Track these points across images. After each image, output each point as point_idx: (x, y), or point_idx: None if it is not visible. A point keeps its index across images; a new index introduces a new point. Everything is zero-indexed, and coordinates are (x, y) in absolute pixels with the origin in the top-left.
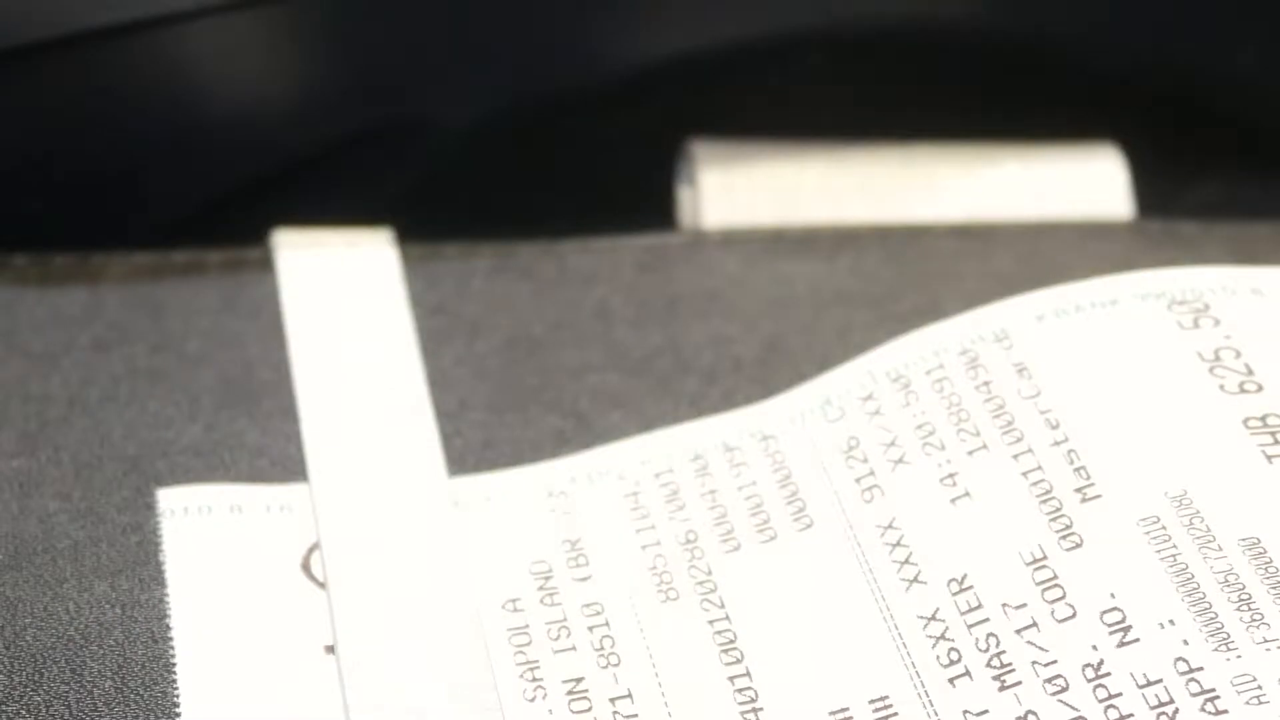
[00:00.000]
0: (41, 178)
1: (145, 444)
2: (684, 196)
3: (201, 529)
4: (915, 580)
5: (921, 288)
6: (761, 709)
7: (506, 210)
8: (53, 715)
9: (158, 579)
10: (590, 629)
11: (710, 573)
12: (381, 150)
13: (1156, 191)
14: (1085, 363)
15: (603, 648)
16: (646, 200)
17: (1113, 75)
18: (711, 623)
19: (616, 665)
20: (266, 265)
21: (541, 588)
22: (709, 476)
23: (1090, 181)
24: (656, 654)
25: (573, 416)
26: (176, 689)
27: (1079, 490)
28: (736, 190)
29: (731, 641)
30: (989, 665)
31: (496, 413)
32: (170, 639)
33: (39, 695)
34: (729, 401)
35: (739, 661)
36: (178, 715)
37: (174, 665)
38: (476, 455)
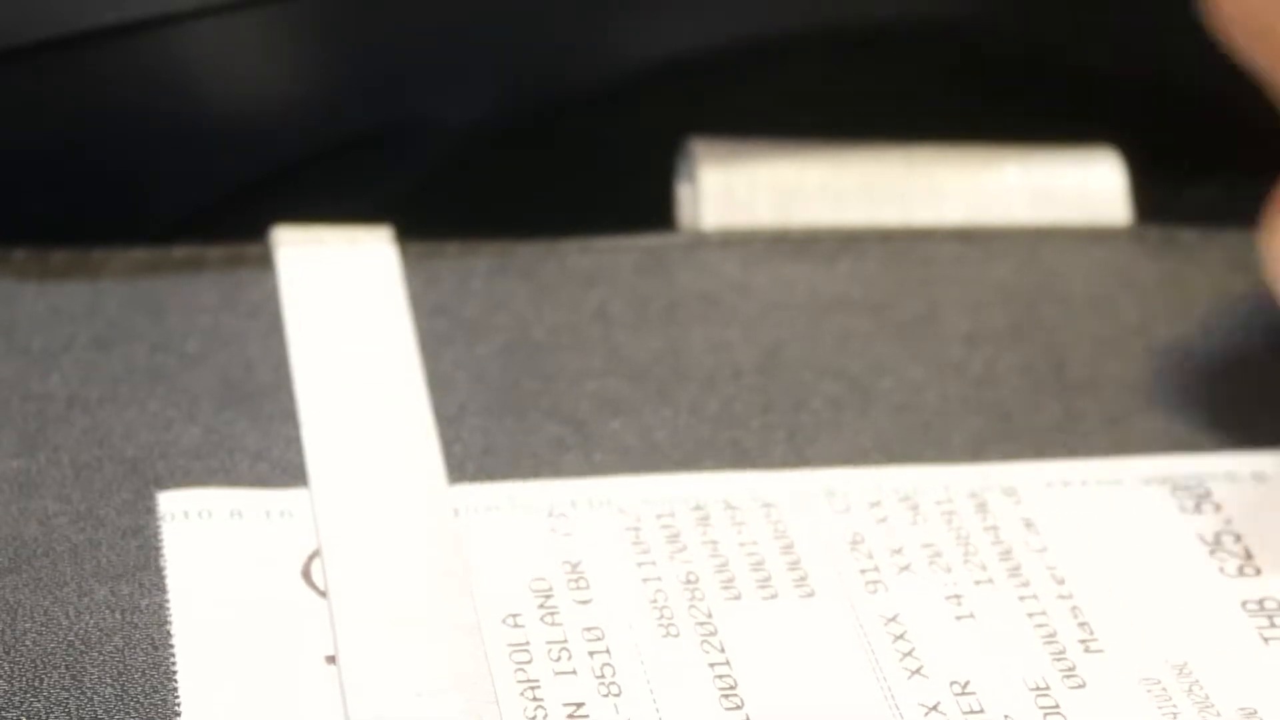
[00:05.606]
0: (41, 178)
1: (145, 445)
2: (684, 196)
3: (202, 533)
4: (918, 673)
5: (921, 294)
6: None
7: (506, 210)
8: None
9: (158, 584)
10: (591, 654)
11: (711, 616)
12: (381, 150)
13: (1155, 194)
14: (1091, 533)
15: (603, 675)
16: (646, 200)
17: (1113, 77)
18: (712, 665)
19: (618, 696)
20: (266, 262)
21: (542, 605)
22: (710, 527)
23: (1089, 186)
24: (657, 689)
25: (571, 423)
26: (178, 698)
27: (1082, 641)
28: (736, 190)
29: (732, 688)
30: None
31: (496, 418)
32: (171, 646)
33: (39, 701)
34: (728, 410)
35: (739, 709)
36: None
37: (175, 673)
38: (476, 462)
